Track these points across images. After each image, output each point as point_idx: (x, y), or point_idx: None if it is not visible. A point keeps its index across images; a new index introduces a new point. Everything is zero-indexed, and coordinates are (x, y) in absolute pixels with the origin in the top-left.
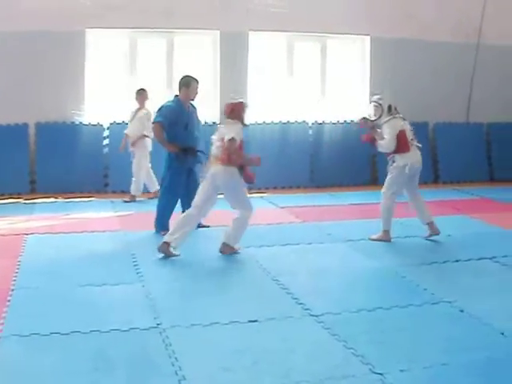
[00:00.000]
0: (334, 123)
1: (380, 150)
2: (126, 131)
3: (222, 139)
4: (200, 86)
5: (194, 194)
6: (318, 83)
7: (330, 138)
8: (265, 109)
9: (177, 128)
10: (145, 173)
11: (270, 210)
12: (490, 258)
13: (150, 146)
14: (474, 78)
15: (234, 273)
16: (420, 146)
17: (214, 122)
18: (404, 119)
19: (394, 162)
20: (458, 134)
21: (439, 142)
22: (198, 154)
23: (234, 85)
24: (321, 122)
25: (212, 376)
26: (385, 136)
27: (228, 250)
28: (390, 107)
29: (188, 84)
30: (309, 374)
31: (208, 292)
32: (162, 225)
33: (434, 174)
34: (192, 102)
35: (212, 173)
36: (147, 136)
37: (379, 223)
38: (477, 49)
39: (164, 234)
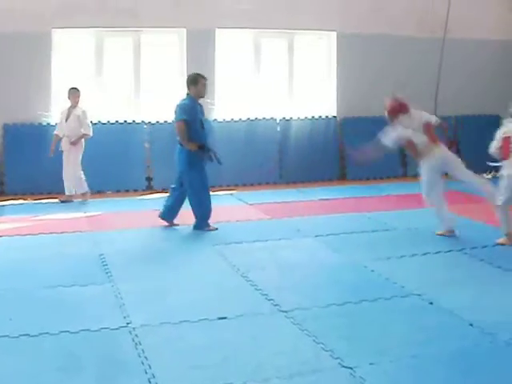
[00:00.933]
0: (301, 119)
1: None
2: (56, 132)
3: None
4: (167, 84)
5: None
6: (285, 79)
7: (299, 134)
8: (233, 106)
9: (194, 126)
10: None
11: (239, 206)
12: (458, 250)
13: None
14: (441, 72)
15: (203, 270)
16: None
17: None
18: None
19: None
20: None
21: None
22: (210, 151)
23: None
24: (289, 118)
25: (181, 374)
26: None
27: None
28: None
29: (196, 81)
30: (278, 369)
31: (177, 290)
32: (206, 221)
33: (402, 167)
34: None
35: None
36: (87, 134)
37: (348, 218)
38: (443, 43)
39: (210, 229)
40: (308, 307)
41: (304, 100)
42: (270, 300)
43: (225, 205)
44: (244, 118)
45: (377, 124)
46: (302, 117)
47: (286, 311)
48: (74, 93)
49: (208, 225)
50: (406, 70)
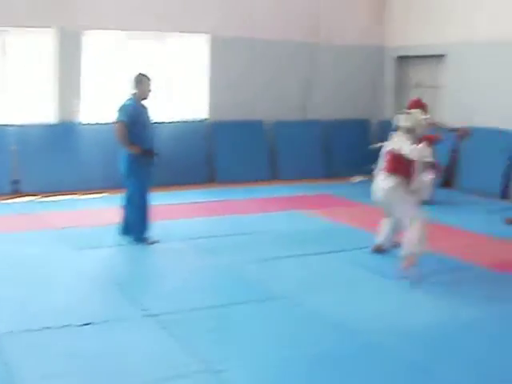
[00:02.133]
0: (173, 122)
1: None
2: None
3: None
4: (36, 86)
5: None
6: (156, 82)
7: (170, 138)
8: (100, 109)
9: (136, 128)
10: None
11: (106, 210)
12: (328, 253)
13: None
14: (312, 76)
15: (67, 275)
16: None
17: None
18: None
19: None
20: (295, 132)
21: (277, 140)
22: (155, 155)
23: (70, 85)
24: (161, 121)
25: (43, 382)
26: None
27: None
28: None
29: (141, 81)
30: (144, 375)
31: (40, 296)
32: (145, 233)
33: (272, 171)
34: (144, 100)
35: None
36: None
37: (219, 221)
38: (313, 48)
39: (150, 243)
40: (177, 311)
41: (176, 103)
42: (138, 305)
43: (92, 208)
44: (111, 121)
45: (245, 127)
46: (174, 120)
47: (154, 315)
48: None
49: (147, 239)
50: (276, 74)
